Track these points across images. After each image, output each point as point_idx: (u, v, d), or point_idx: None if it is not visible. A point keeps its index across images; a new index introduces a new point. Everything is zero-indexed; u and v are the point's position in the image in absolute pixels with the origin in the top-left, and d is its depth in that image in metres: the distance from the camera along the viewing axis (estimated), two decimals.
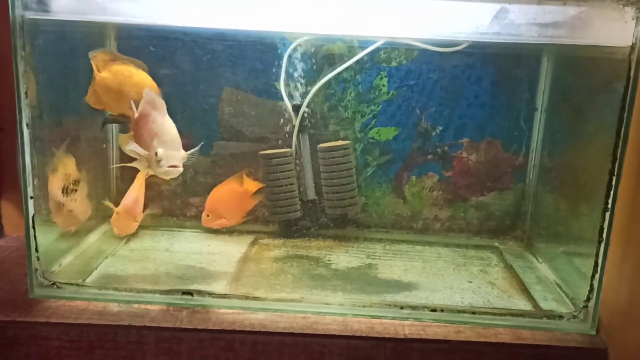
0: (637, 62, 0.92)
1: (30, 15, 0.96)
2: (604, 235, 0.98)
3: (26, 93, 0.97)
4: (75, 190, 1.18)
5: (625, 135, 0.95)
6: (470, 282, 1.20)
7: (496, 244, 1.40)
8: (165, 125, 1.03)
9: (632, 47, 0.92)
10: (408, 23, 1.05)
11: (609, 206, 0.97)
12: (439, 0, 0.96)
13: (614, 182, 0.97)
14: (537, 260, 1.32)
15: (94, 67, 1.08)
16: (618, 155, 0.96)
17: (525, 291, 1.16)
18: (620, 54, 0.94)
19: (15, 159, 1.20)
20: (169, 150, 1.01)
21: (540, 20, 0.98)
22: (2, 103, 1.29)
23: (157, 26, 1.20)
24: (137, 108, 1.04)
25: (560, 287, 1.17)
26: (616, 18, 0.93)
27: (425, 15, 1.02)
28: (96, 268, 1.17)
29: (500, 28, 0.99)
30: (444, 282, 1.19)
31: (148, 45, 1.28)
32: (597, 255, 0.99)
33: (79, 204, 1.20)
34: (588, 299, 1.02)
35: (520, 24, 0.98)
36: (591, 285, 1.00)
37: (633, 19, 0.92)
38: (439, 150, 1.40)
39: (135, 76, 1.09)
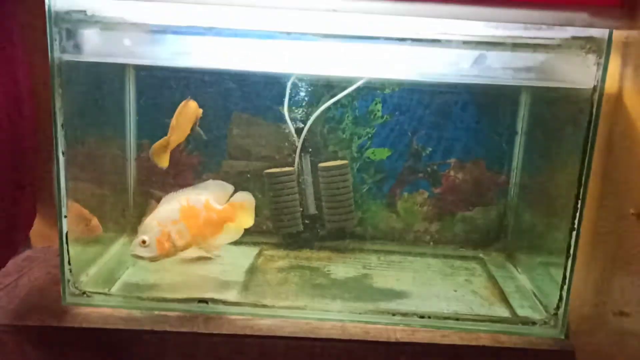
0: (598, 101, 1.02)
1: (66, 57, 1.05)
2: (571, 251, 1.06)
3: (62, 125, 1.06)
4: None
5: (589, 164, 1.03)
6: (456, 291, 1.27)
7: (480, 255, 1.46)
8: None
9: (594, 88, 1.02)
10: (397, 67, 1.14)
11: (575, 226, 1.06)
12: (425, 47, 1.06)
13: (579, 205, 1.05)
14: (517, 270, 1.38)
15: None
16: (583, 182, 1.04)
17: (505, 300, 1.23)
18: (585, 94, 1.03)
19: (43, 178, 1.32)
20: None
21: (514, 65, 1.07)
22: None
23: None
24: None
25: (536, 295, 1.24)
26: (580, 64, 1.03)
27: (412, 60, 1.11)
28: (119, 278, 1.24)
29: (480, 71, 1.08)
30: (432, 291, 1.25)
31: (164, 79, 1.37)
32: (565, 268, 1.07)
33: None
34: (558, 307, 1.09)
35: (497, 68, 1.07)
36: (560, 295, 1.08)
37: (594, 65, 1.02)
38: (428, 169, 1.47)
39: (188, 109, 1.27)
